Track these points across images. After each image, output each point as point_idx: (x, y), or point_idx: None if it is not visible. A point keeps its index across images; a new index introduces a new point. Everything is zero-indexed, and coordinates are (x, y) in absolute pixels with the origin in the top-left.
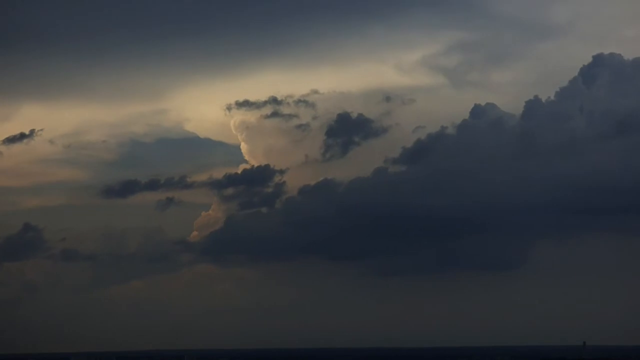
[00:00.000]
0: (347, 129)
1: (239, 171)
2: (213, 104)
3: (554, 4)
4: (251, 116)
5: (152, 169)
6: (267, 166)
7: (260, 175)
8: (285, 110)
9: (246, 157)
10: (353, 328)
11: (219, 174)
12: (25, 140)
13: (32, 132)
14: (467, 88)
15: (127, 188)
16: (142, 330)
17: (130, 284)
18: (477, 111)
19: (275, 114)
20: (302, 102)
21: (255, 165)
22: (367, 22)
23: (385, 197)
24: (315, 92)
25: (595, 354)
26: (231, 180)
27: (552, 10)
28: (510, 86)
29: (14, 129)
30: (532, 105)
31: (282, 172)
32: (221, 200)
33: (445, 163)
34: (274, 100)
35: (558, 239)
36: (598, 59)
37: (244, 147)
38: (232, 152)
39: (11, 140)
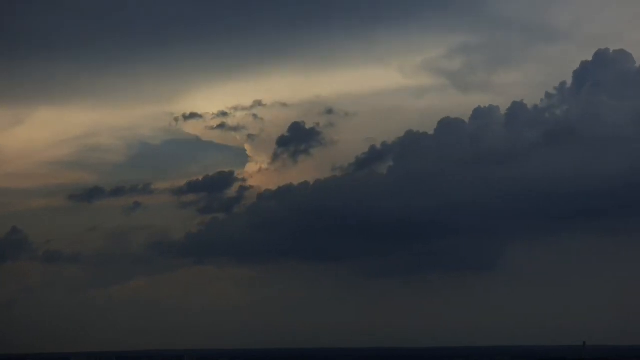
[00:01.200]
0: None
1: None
2: (220, 108)
3: (558, 7)
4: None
5: (161, 171)
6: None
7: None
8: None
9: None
10: (341, 328)
11: (224, 175)
12: (41, 142)
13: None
14: (470, 91)
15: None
16: (142, 330)
17: (130, 284)
18: (479, 113)
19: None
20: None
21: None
22: (372, 27)
23: (354, 200)
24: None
25: (595, 354)
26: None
27: (556, 14)
28: (514, 89)
29: (29, 132)
30: (516, 109)
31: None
32: (208, 203)
33: (417, 165)
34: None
35: (535, 240)
36: (600, 56)
37: (248, 148)
38: (237, 153)
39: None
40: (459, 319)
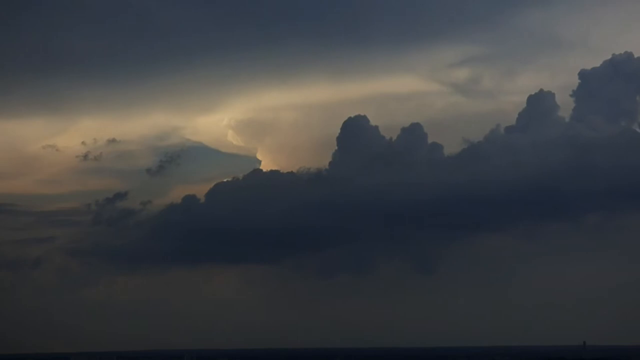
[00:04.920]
0: None
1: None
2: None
3: (569, 16)
4: None
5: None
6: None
7: None
8: None
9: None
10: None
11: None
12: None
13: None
14: (482, 99)
15: None
16: (142, 330)
17: (131, 283)
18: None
19: None
20: None
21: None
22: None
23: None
24: None
25: (595, 354)
26: None
27: (567, 23)
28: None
29: (68, 140)
30: None
31: None
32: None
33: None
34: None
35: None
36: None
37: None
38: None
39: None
40: (452, 319)
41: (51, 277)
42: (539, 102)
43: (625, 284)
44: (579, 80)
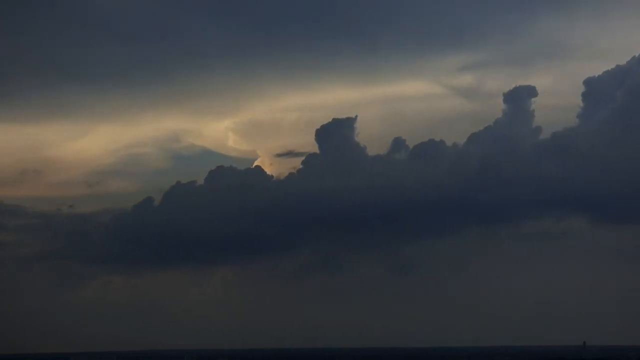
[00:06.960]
0: None
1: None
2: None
3: (575, 22)
4: None
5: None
6: None
7: None
8: None
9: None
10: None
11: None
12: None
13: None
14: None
15: None
16: (142, 330)
17: (131, 284)
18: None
19: None
20: None
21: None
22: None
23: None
24: None
25: (595, 354)
26: None
27: (573, 28)
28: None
29: (87, 144)
30: None
31: None
32: None
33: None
34: None
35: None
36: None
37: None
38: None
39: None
40: (450, 319)
41: (51, 276)
42: (516, 100)
43: (624, 284)
44: (584, 88)
